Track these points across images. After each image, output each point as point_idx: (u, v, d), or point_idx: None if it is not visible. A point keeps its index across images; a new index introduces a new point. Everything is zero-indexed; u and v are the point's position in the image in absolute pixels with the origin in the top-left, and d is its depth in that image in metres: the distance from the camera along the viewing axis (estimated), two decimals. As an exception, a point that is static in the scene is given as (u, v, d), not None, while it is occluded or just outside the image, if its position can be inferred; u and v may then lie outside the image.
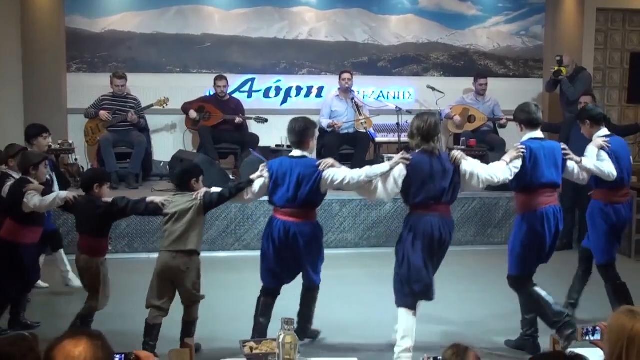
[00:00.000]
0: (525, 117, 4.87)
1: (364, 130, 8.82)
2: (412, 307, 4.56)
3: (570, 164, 4.90)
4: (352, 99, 8.86)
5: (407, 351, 4.48)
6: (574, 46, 9.72)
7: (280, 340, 3.17)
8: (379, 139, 9.03)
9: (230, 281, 6.48)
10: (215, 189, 4.79)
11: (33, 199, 4.92)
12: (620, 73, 10.22)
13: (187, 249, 4.64)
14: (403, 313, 4.57)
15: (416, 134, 4.59)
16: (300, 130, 4.73)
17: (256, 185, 4.72)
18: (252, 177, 4.75)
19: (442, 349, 2.95)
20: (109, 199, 4.84)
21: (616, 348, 2.39)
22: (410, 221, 4.60)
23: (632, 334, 2.37)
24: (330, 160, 4.65)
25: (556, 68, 8.91)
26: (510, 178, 4.70)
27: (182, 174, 4.84)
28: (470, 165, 4.61)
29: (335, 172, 4.61)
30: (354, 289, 6.19)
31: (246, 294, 5.95)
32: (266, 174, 4.69)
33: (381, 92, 9.76)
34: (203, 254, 7.58)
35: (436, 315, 5.32)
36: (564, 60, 9.03)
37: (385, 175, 4.54)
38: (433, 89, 9.36)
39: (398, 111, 8.57)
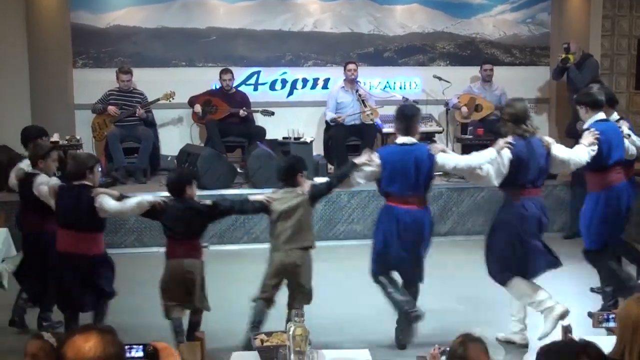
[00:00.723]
0: (589, 100, 5.18)
1: (371, 122, 8.80)
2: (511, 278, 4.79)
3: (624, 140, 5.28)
4: (357, 90, 8.84)
5: (550, 299, 4.68)
6: (580, 33, 9.65)
7: (291, 332, 3.17)
8: (386, 129, 9.00)
9: (240, 274, 6.49)
10: (320, 179, 4.88)
11: (108, 203, 4.58)
12: (628, 59, 10.15)
13: (303, 246, 4.67)
14: (513, 283, 4.77)
15: (507, 119, 4.84)
16: (411, 115, 4.80)
17: (366, 171, 4.74)
18: (355, 161, 4.77)
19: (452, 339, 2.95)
20: (207, 201, 4.74)
21: (624, 335, 2.39)
22: (513, 208, 4.76)
23: (638, 322, 2.36)
24: (440, 145, 4.84)
25: (563, 56, 8.87)
26: (589, 161, 4.97)
27: (289, 169, 4.78)
28: (560, 149, 4.90)
29: (447, 157, 4.76)
30: (363, 280, 6.18)
31: (256, 287, 5.96)
32: (377, 162, 4.71)
33: (387, 82, 9.73)
34: (212, 247, 7.63)
35: (446, 304, 5.31)
36: (571, 47, 8.98)
37: (494, 160, 4.71)
38: (439, 78, 9.32)
39: (405, 101, 8.54)
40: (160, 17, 9.39)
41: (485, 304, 5.57)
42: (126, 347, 2.19)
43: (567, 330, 3.56)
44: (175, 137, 9.25)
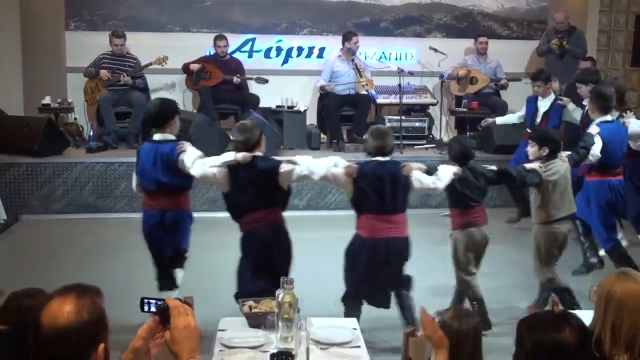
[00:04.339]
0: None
1: (366, 92, 8.75)
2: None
3: None
4: (353, 60, 8.77)
5: None
6: (578, 8, 9.60)
7: (280, 299, 3.17)
8: (380, 100, 8.97)
9: (231, 241, 6.46)
10: (566, 152, 4.95)
11: (423, 179, 4.35)
12: (625, 36, 10.11)
13: (570, 214, 4.87)
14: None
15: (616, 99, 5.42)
16: (611, 96, 5.28)
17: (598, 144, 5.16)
18: (591, 131, 5.18)
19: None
20: (492, 167, 4.79)
21: (599, 309, 2.41)
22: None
23: (609, 295, 2.38)
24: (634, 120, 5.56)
25: (558, 43, 8.85)
26: None
27: (549, 140, 4.86)
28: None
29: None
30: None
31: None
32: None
33: (383, 53, 9.66)
34: (203, 214, 7.63)
35: (441, 283, 5.32)
36: (559, 17, 9.01)
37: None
38: (435, 50, 9.26)
39: (400, 72, 8.49)
40: (155, -19, 9.27)
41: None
42: (145, 300, 2.16)
43: (555, 302, 3.58)
44: (168, 103, 9.17)
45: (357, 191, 4.25)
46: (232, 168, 4.25)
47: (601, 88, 5.39)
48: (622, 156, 5.42)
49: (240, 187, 4.27)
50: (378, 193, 4.21)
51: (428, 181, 4.36)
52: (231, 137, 4.34)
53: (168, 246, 4.67)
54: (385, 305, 4.42)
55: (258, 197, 4.26)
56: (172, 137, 4.60)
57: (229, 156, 4.27)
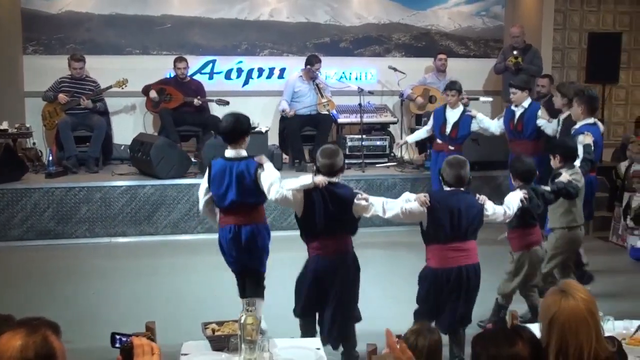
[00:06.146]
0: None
1: (327, 112, 8.81)
2: None
3: None
4: (314, 80, 8.83)
5: None
6: (533, 26, 9.81)
7: (242, 321, 3.17)
8: (341, 119, 9.02)
9: (193, 264, 6.46)
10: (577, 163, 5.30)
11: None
12: (579, 53, 10.34)
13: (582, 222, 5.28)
14: None
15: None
16: None
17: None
18: (587, 140, 5.53)
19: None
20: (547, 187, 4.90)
21: (544, 326, 2.40)
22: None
23: (553, 319, 2.36)
24: None
25: (514, 60, 9.02)
26: None
27: (573, 149, 5.25)
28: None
29: None
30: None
31: (209, 277, 5.95)
32: None
33: (343, 73, 9.75)
34: (166, 237, 7.56)
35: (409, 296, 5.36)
36: (515, 31, 9.21)
37: None
38: (395, 69, 9.38)
39: (360, 92, 8.57)
40: (114, 4, 9.22)
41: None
42: (115, 336, 2.12)
43: (514, 316, 3.62)
44: (128, 125, 9.13)
45: (431, 220, 4.15)
46: (307, 192, 4.16)
47: (589, 91, 5.90)
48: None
49: (313, 211, 4.17)
50: (452, 222, 4.13)
51: (500, 210, 4.33)
52: (317, 161, 4.27)
53: (245, 261, 4.58)
54: (452, 328, 4.28)
55: (330, 223, 4.16)
56: (244, 153, 4.51)
57: (307, 180, 4.16)
